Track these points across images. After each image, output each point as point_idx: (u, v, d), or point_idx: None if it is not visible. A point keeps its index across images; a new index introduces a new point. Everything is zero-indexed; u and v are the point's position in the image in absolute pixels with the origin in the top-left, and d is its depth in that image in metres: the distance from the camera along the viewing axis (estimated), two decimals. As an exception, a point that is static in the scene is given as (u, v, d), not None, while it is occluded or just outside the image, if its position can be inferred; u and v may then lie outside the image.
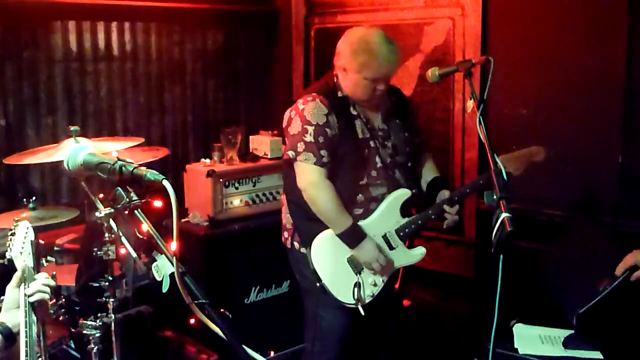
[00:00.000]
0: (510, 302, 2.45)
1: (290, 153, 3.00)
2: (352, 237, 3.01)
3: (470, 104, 2.61)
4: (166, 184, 1.68)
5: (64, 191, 4.39)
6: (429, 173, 3.33)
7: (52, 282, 2.13)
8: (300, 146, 2.96)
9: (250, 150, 4.57)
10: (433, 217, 3.11)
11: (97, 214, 2.13)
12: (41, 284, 2.08)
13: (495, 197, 2.22)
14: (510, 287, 2.30)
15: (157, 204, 1.98)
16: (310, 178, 2.97)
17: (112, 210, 1.98)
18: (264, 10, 5.44)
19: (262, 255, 4.12)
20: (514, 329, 3.08)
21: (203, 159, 4.34)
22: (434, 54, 4.52)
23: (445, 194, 3.13)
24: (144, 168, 1.81)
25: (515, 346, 2.93)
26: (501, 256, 2.16)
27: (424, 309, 4.43)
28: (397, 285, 4.05)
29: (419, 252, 3.18)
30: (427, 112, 4.57)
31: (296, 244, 3.21)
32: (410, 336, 4.35)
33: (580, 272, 3.07)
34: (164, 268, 1.78)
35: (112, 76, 4.61)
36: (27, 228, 2.25)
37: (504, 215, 2.11)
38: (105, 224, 2.80)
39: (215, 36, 5.17)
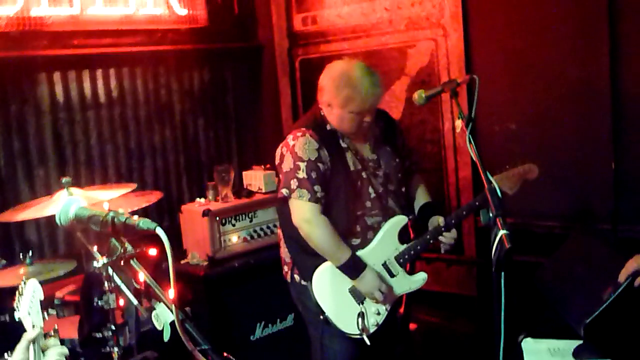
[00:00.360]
0: (515, 318, 2.44)
1: (284, 191, 3.01)
2: (352, 268, 3.01)
3: (458, 123, 2.62)
4: (159, 232, 1.68)
5: (60, 242, 4.38)
6: (420, 198, 3.35)
7: (66, 351, 2.09)
8: (294, 183, 2.97)
9: (245, 186, 4.56)
10: (432, 241, 3.12)
11: (94, 264, 2.11)
12: (56, 356, 2.03)
13: (491, 215, 2.23)
14: (514, 302, 2.30)
15: (152, 252, 1.97)
16: (305, 215, 2.98)
17: (110, 259, 1.97)
18: (247, 47, 5.49)
19: (265, 290, 4.09)
20: (522, 344, 3.05)
21: (198, 199, 4.34)
22: (420, 76, 4.56)
23: (437, 220, 3.14)
24: (136, 217, 1.80)
25: (525, 362, 2.91)
26: (502, 274, 2.16)
27: (429, 331, 4.42)
28: (402, 310, 4.04)
29: (421, 277, 3.18)
30: (417, 134, 4.59)
31: (296, 277, 3.20)
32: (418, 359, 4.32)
33: (584, 282, 3.06)
34: (163, 316, 1.77)
35: (100, 123, 4.63)
36: (35, 287, 2.21)
37: (502, 232, 2.11)
38: (104, 274, 2.79)
39: (201, 75, 5.21)
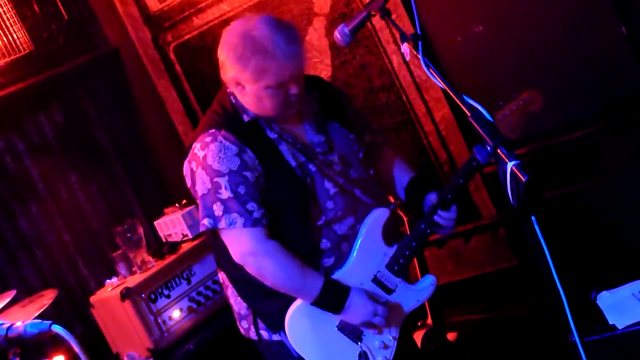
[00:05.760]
0: (577, 271, 2.46)
1: (207, 221, 2.96)
2: (332, 299, 2.98)
3: (404, 48, 2.63)
4: (56, 329, 1.67)
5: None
6: (401, 175, 3.33)
7: None
8: (218, 208, 2.92)
9: (164, 240, 4.54)
10: (429, 231, 3.11)
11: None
12: None
13: (489, 148, 2.24)
14: (568, 252, 2.32)
15: (58, 360, 1.98)
16: (246, 247, 2.94)
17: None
18: (98, 57, 5.45)
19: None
20: (597, 301, 3.09)
21: (108, 280, 4.29)
22: (336, 9, 4.58)
23: (433, 197, 3.14)
24: (19, 323, 1.79)
25: (611, 322, 2.94)
26: (533, 217, 2.17)
27: (477, 333, 4.44)
28: (429, 321, 4.06)
29: (428, 282, 3.18)
30: (362, 86, 4.61)
31: (264, 333, 3.16)
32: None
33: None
34: None
35: None
36: None
37: (510, 164, 2.12)
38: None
39: (50, 118, 5.16)
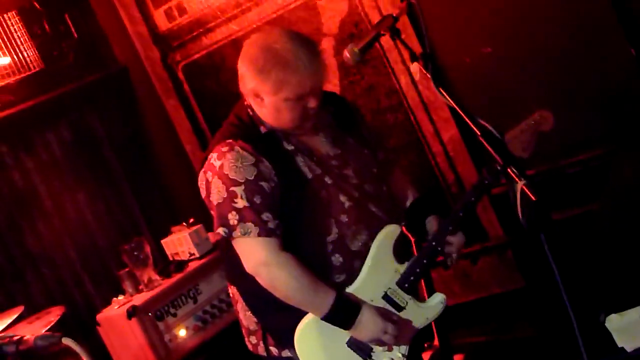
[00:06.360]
0: (584, 295, 2.45)
1: (222, 230, 2.95)
2: (343, 314, 2.96)
3: (414, 67, 2.64)
4: (67, 341, 1.67)
5: None
6: (406, 197, 3.34)
7: None
8: (233, 217, 2.91)
9: (170, 259, 4.53)
10: (439, 249, 3.11)
11: None
12: None
13: (499, 167, 2.24)
14: (576, 273, 2.31)
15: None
16: (259, 257, 2.93)
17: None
18: (106, 76, 5.47)
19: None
20: (606, 324, 3.08)
21: (115, 298, 4.28)
22: (345, 31, 4.59)
23: (432, 223, 3.15)
24: (29, 336, 1.79)
25: (619, 345, 2.93)
26: (542, 236, 2.17)
27: (483, 355, 4.42)
28: (436, 342, 4.04)
29: (438, 300, 3.16)
30: (370, 107, 4.62)
31: (273, 349, 3.15)
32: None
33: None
34: None
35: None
36: None
37: (520, 184, 2.13)
38: None
39: (58, 136, 5.18)
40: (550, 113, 3.11)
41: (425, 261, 3.07)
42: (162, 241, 4.62)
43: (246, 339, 3.27)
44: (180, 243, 4.49)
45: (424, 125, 4.55)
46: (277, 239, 2.92)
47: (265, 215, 2.90)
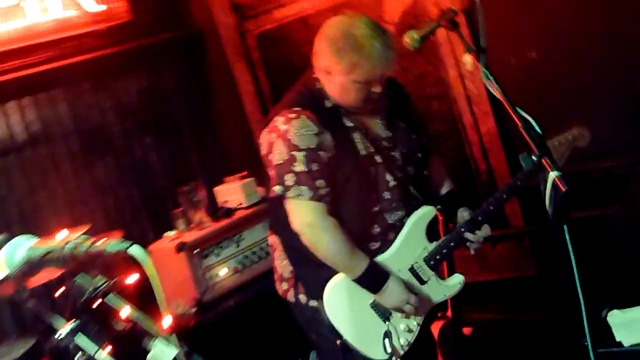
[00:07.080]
0: (591, 289, 2.42)
1: (278, 189, 2.95)
2: (372, 280, 2.97)
3: (467, 58, 2.61)
4: (134, 250, 1.66)
5: (9, 324, 4.33)
6: (441, 186, 3.34)
7: None
8: (290, 179, 2.92)
9: (220, 205, 4.54)
10: (466, 236, 3.10)
11: (56, 336, 2.07)
12: None
13: (534, 157, 2.21)
14: (585, 270, 2.28)
15: (133, 278, 1.95)
16: (307, 218, 2.93)
17: (77, 321, 1.94)
18: (185, 34, 5.48)
19: (275, 326, 4.07)
20: (608, 319, 3.04)
21: (166, 233, 4.30)
22: (405, 21, 4.55)
23: (463, 213, 3.13)
24: (101, 242, 1.78)
25: (618, 339, 2.89)
26: (565, 227, 2.14)
27: (490, 332, 4.40)
28: (449, 313, 4.02)
29: (457, 281, 3.16)
30: (418, 93, 4.58)
31: (302, 297, 3.16)
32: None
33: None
34: (163, 356, 1.73)
35: (25, 167, 4.59)
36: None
37: (553, 174, 2.09)
38: (71, 345, 2.74)
39: (137, 82, 5.19)
40: (587, 130, 3.09)
41: (452, 244, 3.09)
42: (215, 189, 4.63)
43: (277, 284, 3.30)
44: (231, 192, 4.51)
45: (465, 116, 4.52)
46: (325, 204, 2.93)
47: (319, 182, 2.91)
